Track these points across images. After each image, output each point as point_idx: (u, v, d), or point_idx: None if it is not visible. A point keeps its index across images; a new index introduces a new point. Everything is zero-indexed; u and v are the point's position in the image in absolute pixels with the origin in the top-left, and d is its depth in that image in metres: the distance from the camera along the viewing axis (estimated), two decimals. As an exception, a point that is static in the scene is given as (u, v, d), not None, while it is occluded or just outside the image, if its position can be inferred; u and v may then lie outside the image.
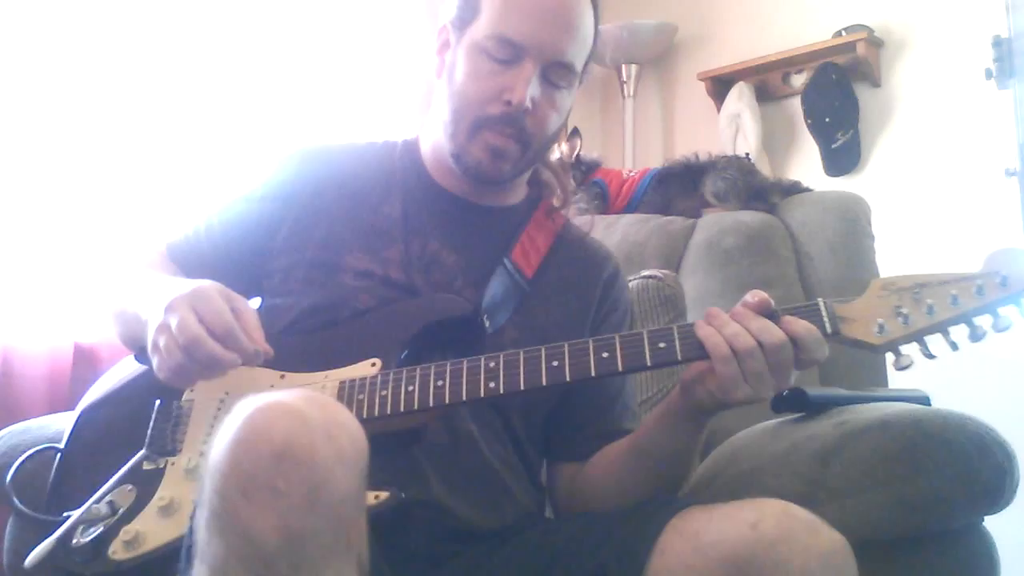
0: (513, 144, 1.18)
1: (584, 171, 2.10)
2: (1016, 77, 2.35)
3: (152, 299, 1.07)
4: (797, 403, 1.31)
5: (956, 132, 2.72)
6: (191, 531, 0.85)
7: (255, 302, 1.27)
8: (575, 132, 2.12)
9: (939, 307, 0.98)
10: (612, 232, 1.90)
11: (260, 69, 2.47)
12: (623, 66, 3.35)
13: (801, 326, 0.99)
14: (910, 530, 1.17)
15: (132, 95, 2.22)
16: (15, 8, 2.03)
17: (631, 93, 3.37)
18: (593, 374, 1.01)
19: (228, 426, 0.78)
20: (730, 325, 0.99)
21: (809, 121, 3.06)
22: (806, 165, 3.08)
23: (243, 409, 0.78)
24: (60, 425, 1.46)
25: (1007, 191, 2.39)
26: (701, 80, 3.29)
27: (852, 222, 1.96)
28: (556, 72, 1.18)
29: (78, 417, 1.18)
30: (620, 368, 1.01)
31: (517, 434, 1.22)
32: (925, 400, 1.38)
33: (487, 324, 1.16)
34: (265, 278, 1.25)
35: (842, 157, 3.00)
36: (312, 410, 0.77)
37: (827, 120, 3.01)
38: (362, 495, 0.80)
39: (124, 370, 1.22)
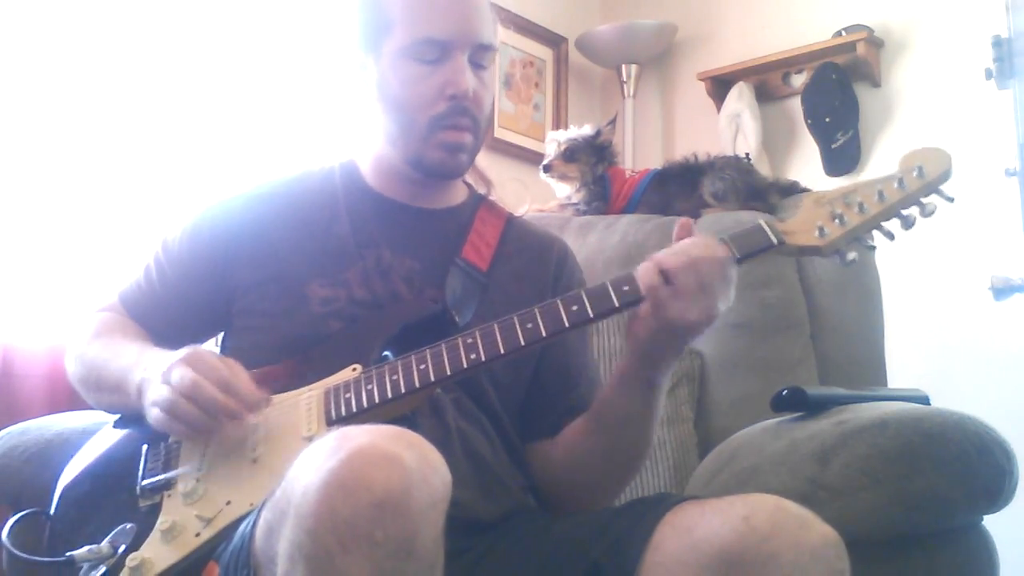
0: (467, 136, 1.23)
1: (602, 161, 2.06)
2: (1016, 77, 2.35)
3: (140, 367, 1.12)
4: (797, 402, 1.31)
5: (956, 132, 2.71)
6: (246, 538, 0.88)
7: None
8: (612, 121, 2.16)
9: (869, 204, 1.08)
10: (612, 232, 1.90)
11: (246, 82, 2.47)
12: (623, 66, 3.35)
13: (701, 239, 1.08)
14: (909, 529, 1.17)
15: (130, 98, 2.22)
16: (7, 13, 2.03)
17: (631, 93, 3.36)
18: (567, 325, 1.06)
19: (319, 462, 0.77)
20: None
21: (809, 121, 3.05)
22: (806, 165, 3.08)
23: (338, 448, 0.78)
24: (60, 425, 1.46)
25: (1007, 191, 2.38)
26: (701, 80, 3.29)
27: (851, 222, 1.95)
28: (480, 55, 1.24)
29: (63, 487, 1.18)
30: (591, 315, 1.06)
31: (504, 428, 1.25)
32: (925, 400, 1.39)
33: (456, 319, 1.20)
34: (230, 318, 1.27)
35: (842, 157, 3.00)
36: (407, 454, 0.77)
37: (827, 120, 3.01)
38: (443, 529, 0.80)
39: (100, 442, 1.22)
